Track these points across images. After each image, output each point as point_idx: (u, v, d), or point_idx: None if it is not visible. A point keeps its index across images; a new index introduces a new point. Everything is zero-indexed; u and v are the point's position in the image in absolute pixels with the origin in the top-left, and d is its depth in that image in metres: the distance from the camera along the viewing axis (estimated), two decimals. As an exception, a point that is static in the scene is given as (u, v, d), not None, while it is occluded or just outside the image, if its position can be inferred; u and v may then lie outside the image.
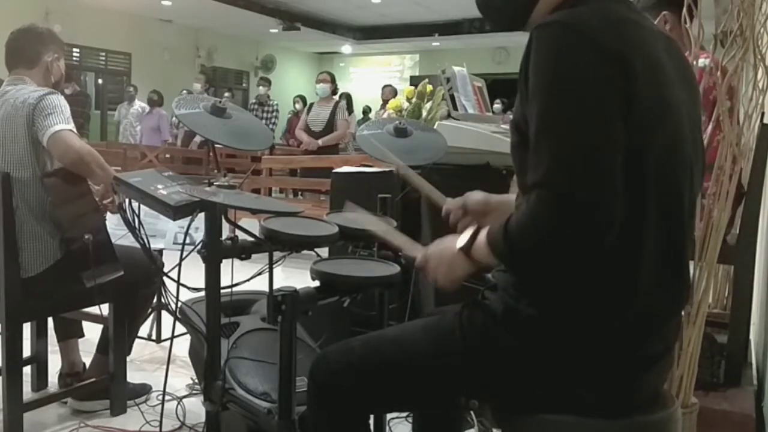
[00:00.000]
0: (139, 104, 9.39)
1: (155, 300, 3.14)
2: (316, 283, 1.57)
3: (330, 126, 6.37)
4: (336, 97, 6.58)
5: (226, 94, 9.45)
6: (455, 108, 2.77)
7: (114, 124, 10.54)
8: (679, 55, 1.25)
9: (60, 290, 2.29)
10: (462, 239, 1.22)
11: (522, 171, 1.17)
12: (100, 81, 12.02)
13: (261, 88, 9.19)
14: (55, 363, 2.66)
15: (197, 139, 8.55)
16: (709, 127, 1.84)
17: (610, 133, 1.05)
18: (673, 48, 1.24)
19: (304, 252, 1.72)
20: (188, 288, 1.83)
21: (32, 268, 2.24)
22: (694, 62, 1.82)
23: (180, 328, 2.06)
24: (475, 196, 1.54)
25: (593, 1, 1.18)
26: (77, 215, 2.27)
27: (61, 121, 2.22)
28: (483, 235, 1.18)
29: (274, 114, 8.78)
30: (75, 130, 2.28)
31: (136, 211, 1.90)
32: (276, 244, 1.66)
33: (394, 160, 1.82)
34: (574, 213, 1.03)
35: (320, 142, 6.34)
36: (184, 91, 8.96)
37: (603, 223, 1.03)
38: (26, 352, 2.51)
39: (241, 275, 1.82)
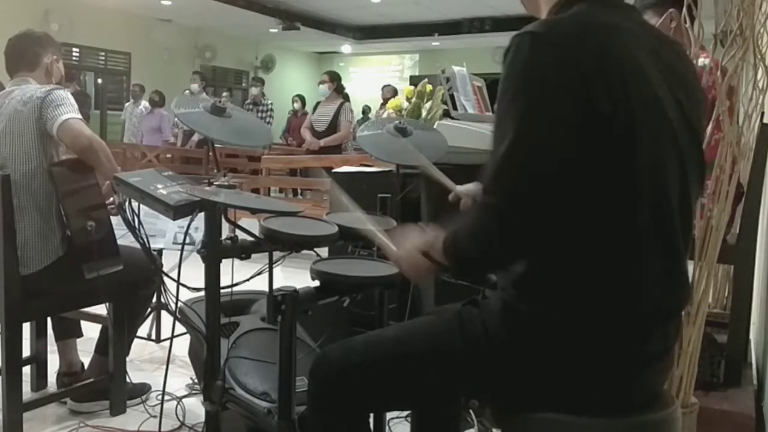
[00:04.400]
0: (144, 103, 9.37)
1: (155, 300, 3.14)
2: (316, 283, 1.57)
3: (333, 127, 6.34)
4: (341, 98, 6.52)
5: (225, 94, 9.45)
6: (455, 108, 2.77)
7: (116, 124, 10.53)
8: (672, 56, 1.23)
9: (60, 289, 2.30)
10: (420, 241, 1.26)
11: None
12: (99, 81, 11.99)
13: (254, 89, 9.23)
14: (54, 363, 2.66)
15: (195, 137, 8.54)
16: (709, 127, 1.84)
17: (547, 142, 1.07)
18: (667, 48, 1.23)
19: (304, 252, 1.72)
20: (188, 288, 1.83)
21: (34, 264, 2.24)
22: (694, 61, 1.82)
23: (180, 328, 2.06)
24: None
25: (582, 4, 1.18)
26: (83, 206, 2.28)
27: (70, 111, 2.27)
28: (441, 237, 1.21)
29: (269, 113, 8.78)
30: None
31: (136, 211, 1.90)
32: (276, 244, 1.66)
33: (409, 149, 1.84)
34: (492, 218, 1.11)
35: (322, 142, 6.31)
36: (187, 91, 8.92)
37: (516, 229, 1.10)
38: (26, 351, 2.51)
39: (241, 275, 1.82)
